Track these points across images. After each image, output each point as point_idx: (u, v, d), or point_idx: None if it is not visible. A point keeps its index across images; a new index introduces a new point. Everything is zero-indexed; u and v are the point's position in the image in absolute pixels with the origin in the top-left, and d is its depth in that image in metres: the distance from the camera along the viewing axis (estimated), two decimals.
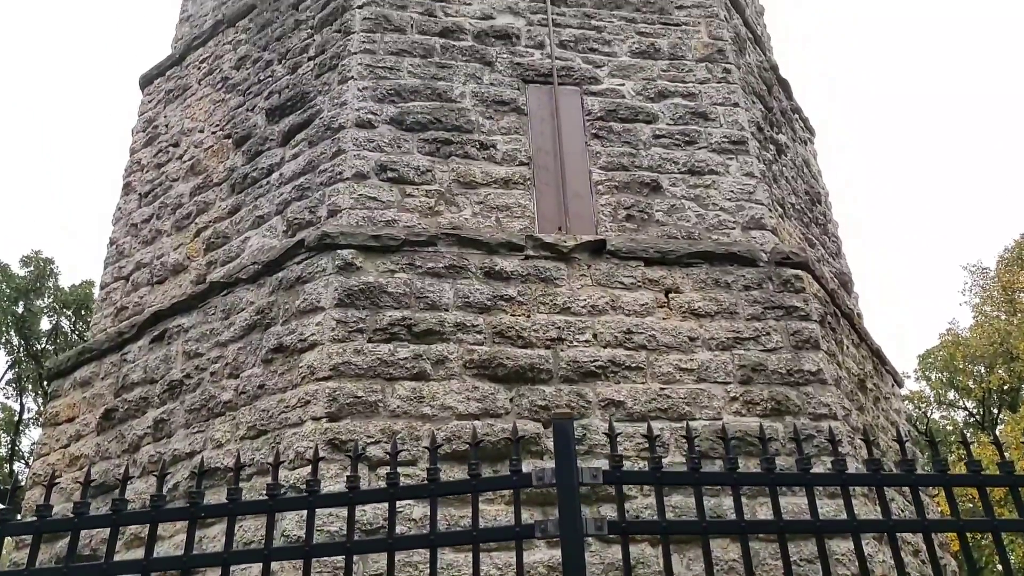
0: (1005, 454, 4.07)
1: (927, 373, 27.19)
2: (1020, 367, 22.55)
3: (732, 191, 7.97)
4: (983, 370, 24.58)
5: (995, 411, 25.89)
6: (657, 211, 7.74)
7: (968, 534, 3.07)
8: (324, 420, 5.88)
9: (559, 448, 3.00)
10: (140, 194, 9.60)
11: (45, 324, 27.64)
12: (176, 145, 9.56)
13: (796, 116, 11.31)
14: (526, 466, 5.58)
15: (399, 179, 7.44)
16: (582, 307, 6.78)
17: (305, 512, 3.63)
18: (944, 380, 26.71)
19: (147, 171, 9.71)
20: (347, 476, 3.10)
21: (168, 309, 7.79)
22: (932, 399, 27.29)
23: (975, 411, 26.65)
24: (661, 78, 8.64)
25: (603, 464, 5.78)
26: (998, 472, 3.19)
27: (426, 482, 3.06)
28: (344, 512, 5.32)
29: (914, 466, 3.19)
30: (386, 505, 4.78)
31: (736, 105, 8.58)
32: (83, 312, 26.95)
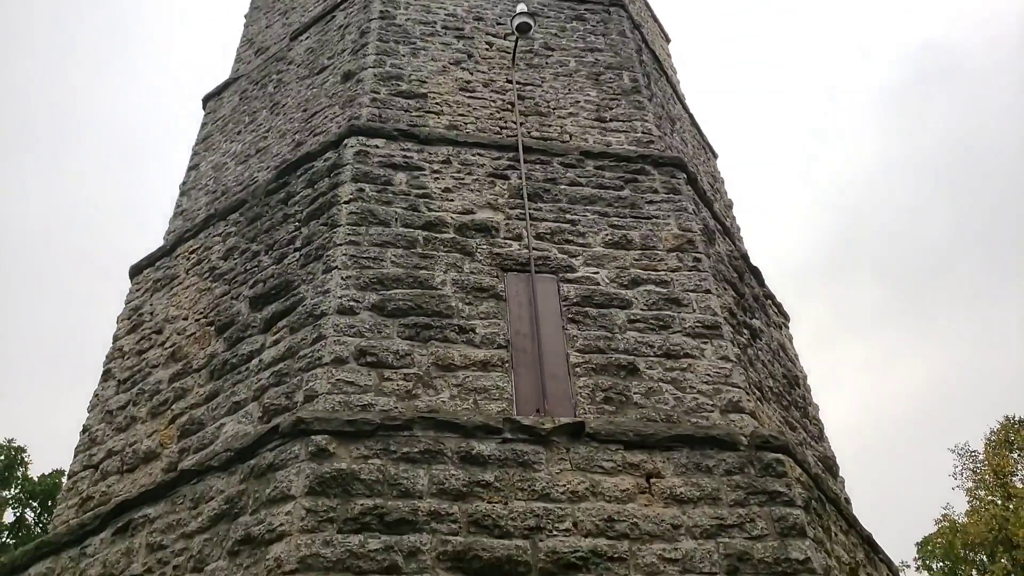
0: None
1: (927, 562, 26.10)
2: (1022, 555, 21.75)
3: (708, 374, 8.06)
4: (985, 559, 23.65)
5: None
6: (635, 393, 7.77)
7: None
8: None
9: None
10: (119, 381, 9.57)
11: (9, 516, 26.36)
12: (159, 332, 9.67)
13: (769, 302, 11.67)
14: None
15: (378, 363, 7.50)
16: (561, 493, 6.62)
17: None
18: (946, 570, 25.58)
19: (128, 358, 9.74)
20: None
21: (135, 499, 7.51)
22: None
23: None
24: (634, 267, 9.00)
25: None
26: None
27: None
28: None
29: None
30: None
31: (708, 292, 8.89)
32: (49, 503, 25.85)
